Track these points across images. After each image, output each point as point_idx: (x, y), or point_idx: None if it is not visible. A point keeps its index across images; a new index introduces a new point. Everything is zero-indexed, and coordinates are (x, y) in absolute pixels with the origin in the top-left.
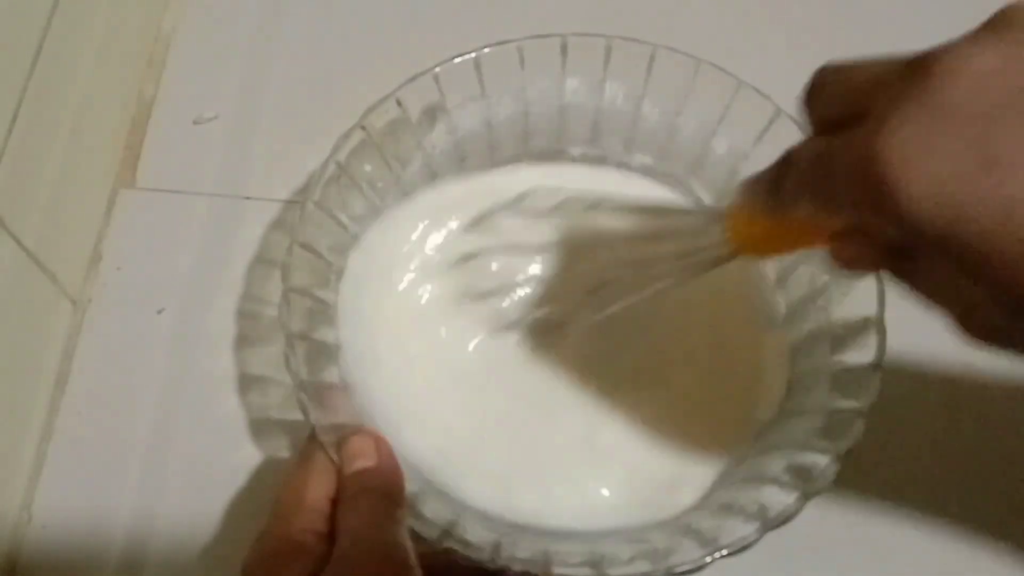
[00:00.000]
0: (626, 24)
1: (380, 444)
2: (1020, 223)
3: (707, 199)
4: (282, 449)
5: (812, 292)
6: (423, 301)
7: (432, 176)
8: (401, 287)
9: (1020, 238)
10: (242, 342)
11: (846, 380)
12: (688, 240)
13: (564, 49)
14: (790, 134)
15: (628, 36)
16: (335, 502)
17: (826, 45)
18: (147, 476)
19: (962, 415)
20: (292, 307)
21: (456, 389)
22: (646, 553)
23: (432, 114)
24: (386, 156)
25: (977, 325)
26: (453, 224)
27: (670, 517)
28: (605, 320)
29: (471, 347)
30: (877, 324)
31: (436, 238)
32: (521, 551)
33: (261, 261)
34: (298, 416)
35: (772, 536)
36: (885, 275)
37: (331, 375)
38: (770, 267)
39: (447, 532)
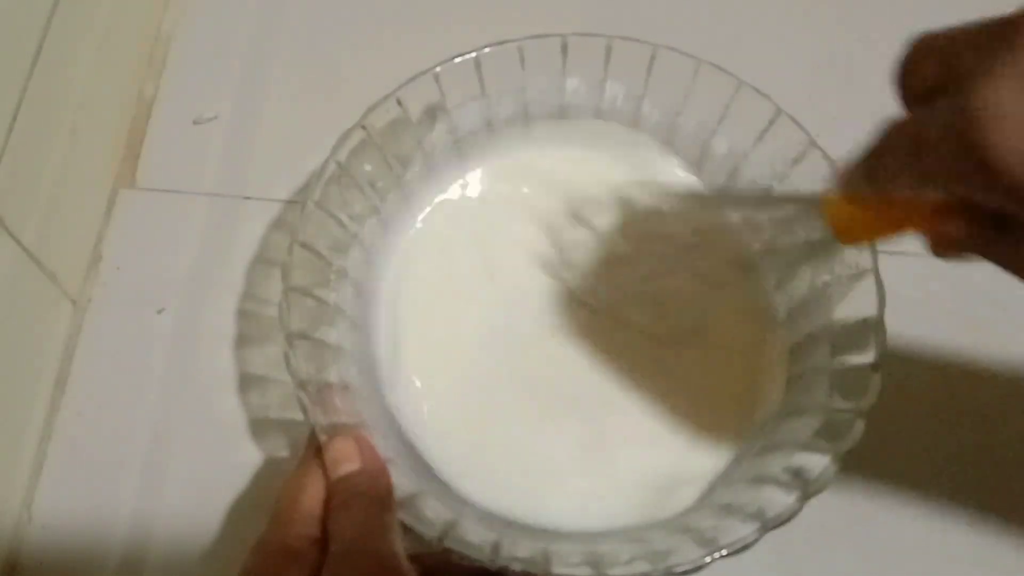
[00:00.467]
0: (626, 24)
1: (363, 445)
2: None
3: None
4: (282, 449)
5: (812, 292)
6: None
7: (432, 176)
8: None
9: None
10: (242, 342)
11: (846, 380)
12: (782, 231)
13: (564, 49)
14: (790, 134)
15: (628, 36)
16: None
17: (826, 45)
18: (147, 476)
19: (962, 415)
20: (292, 307)
21: (456, 389)
22: (645, 553)
23: (432, 114)
24: (386, 156)
25: None
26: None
27: (669, 517)
28: (608, 319)
29: (474, 345)
30: (877, 324)
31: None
32: (521, 551)
33: (261, 261)
34: (298, 416)
35: (772, 536)
36: (983, 259)
37: (331, 375)
38: (770, 267)
39: (447, 532)
